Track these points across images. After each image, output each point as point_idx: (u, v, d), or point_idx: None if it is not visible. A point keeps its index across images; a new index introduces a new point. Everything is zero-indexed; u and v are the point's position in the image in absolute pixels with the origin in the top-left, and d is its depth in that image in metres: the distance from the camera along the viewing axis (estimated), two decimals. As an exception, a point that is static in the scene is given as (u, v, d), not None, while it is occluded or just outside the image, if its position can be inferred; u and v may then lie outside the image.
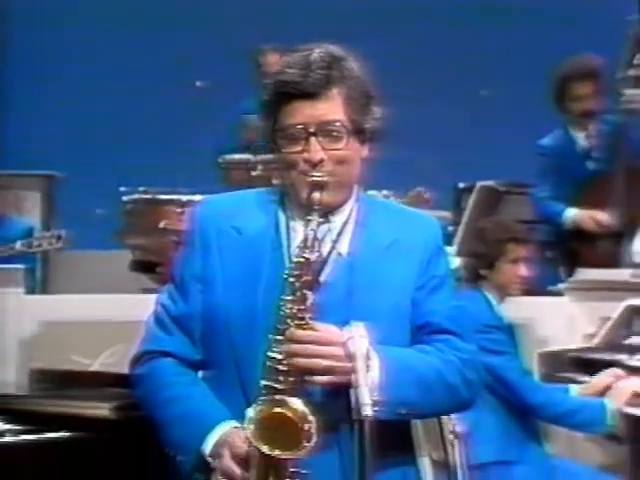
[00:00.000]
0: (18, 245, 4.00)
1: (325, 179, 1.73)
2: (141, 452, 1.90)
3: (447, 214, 4.51)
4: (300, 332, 1.67)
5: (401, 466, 1.79)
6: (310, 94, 1.74)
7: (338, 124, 1.75)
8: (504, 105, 5.51)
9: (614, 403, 2.94)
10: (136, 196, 4.37)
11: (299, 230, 1.76)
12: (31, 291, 4.03)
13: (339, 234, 1.79)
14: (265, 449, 1.63)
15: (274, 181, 1.88)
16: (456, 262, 3.10)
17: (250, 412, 1.66)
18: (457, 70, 5.58)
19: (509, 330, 3.06)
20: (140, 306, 2.00)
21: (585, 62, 4.16)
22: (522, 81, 5.13)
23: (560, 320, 3.77)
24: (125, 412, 2.08)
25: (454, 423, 2.35)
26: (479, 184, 4.59)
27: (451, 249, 3.62)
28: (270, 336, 1.68)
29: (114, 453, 2.09)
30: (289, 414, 1.63)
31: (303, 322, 1.67)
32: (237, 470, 1.66)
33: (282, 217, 1.81)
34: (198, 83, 5.11)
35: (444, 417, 1.99)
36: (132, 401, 1.91)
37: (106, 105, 5.45)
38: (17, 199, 4.94)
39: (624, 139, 4.06)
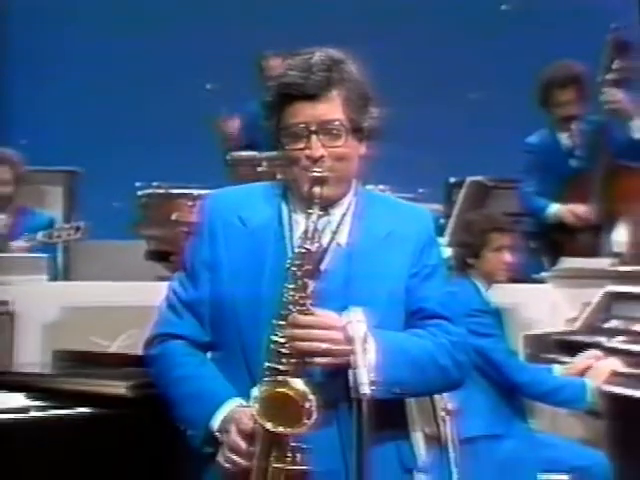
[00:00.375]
0: (39, 236, 3.99)
1: (325, 174, 1.72)
2: (155, 427, 1.90)
3: (439, 207, 4.49)
4: (301, 317, 1.67)
5: (395, 440, 1.79)
6: (311, 95, 1.73)
7: (337, 123, 1.74)
8: (493, 107, 5.49)
9: (594, 382, 2.94)
10: (150, 190, 4.35)
11: (301, 222, 1.75)
12: (54, 278, 4.02)
13: (338, 226, 1.78)
14: (269, 426, 1.63)
15: (278, 176, 1.87)
16: (447, 252, 3.09)
17: (255, 391, 1.67)
18: (449, 75, 5.57)
19: (496, 314, 3.06)
20: (155, 292, 1.99)
21: (567, 68, 4.11)
22: (510, 85, 5.11)
23: (544, 305, 3.76)
24: (140, 390, 2.08)
25: (446, 401, 2.34)
26: (469, 179, 4.58)
27: (443, 240, 3.61)
28: (274, 321, 1.68)
29: (131, 428, 2.09)
30: (291, 393, 1.63)
31: (304, 308, 1.67)
32: (243, 444, 1.66)
33: (285, 210, 1.80)
34: (208, 86, 5.10)
35: (436, 395, 1.98)
36: (147, 380, 1.91)
37: (120, 107, 5.43)
38: (40, 193, 4.93)
39: (604, 139, 4.04)
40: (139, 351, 1.88)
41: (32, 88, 5.41)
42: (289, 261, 1.70)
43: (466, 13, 5.72)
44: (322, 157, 1.73)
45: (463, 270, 3.07)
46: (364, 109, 1.77)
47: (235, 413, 1.69)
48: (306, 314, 1.67)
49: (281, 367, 1.66)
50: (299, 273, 1.68)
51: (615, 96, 3.92)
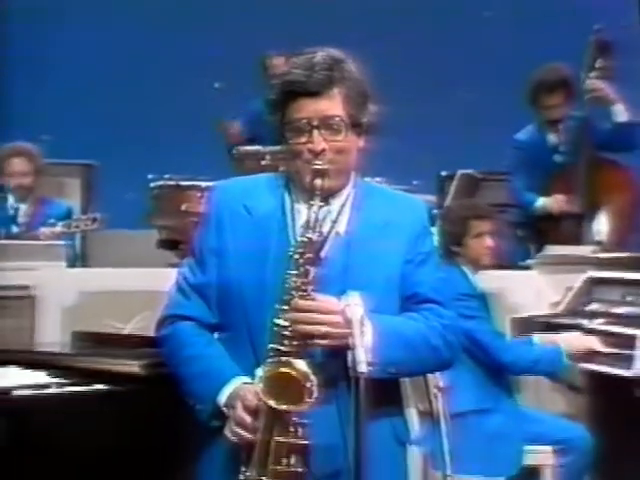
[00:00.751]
0: (58, 227, 3.99)
1: (326, 167, 1.71)
2: (167, 403, 1.89)
3: (432, 198, 4.48)
4: (303, 302, 1.66)
5: (390, 416, 1.78)
6: (314, 92, 1.72)
7: (338, 119, 1.73)
8: (484, 106, 5.48)
9: (567, 346, 2.93)
10: (162, 183, 4.33)
11: (303, 212, 1.73)
12: (72, 265, 4.01)
13: (338, 216, 1.77)
14: (272, 403, 1.63)
15: (281, 169, 1.86)
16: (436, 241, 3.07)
17: (259, 371, 1.66)
18: (444, 75, 5.56)
19: (482, 298, 3.05)
20: (165, 278, 1.98)
21: (555, 72, 4.06)
22: (500, 85, 5.09)
23: (529, 290, 3.75)
24: (153, 369, 2.08)
25: (438, 379, 2.34)
26: (459, 172, 4.57)
27: (435, 229, 3.60)
28: (277, 306, 1.67)
29: (144, 404, 2.09)
30: (293, 373, 1.63)
31: (306, 293, 1.67)
32: (248, 419, 1.66)
33: (288, 200, 1.79)
34: (216, 85, 5.08)
35: (429, 374, 1.98)
36: (159, 359, 1.91)
37: (134, 105, 5.42)
38: (59, 185, 4.93)
39: (587, 133, 4.02)
40: (151, 333, 1.88)
41: (54, 89, 5.40)
42: (291, 249, 1.69)
43: (460, 17, 5.71)
44: (323, 150, 1.72)
45: (450, 257, 3.06)
46: (363, 106, 1.76)
47: (240, 390, 1.69)
48: (307, 299, 1.66)
49: (284, 348, 1.65)
50: (301, 260, 1.67)
51: (596, 84, 3.90)
